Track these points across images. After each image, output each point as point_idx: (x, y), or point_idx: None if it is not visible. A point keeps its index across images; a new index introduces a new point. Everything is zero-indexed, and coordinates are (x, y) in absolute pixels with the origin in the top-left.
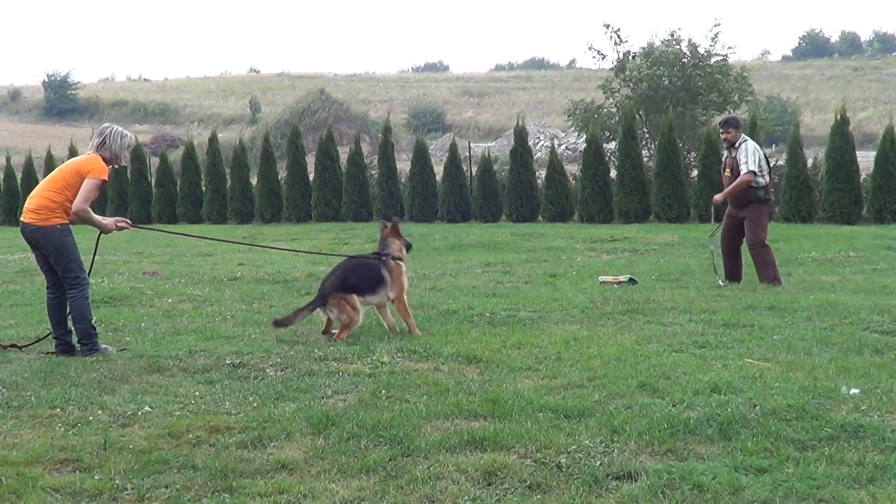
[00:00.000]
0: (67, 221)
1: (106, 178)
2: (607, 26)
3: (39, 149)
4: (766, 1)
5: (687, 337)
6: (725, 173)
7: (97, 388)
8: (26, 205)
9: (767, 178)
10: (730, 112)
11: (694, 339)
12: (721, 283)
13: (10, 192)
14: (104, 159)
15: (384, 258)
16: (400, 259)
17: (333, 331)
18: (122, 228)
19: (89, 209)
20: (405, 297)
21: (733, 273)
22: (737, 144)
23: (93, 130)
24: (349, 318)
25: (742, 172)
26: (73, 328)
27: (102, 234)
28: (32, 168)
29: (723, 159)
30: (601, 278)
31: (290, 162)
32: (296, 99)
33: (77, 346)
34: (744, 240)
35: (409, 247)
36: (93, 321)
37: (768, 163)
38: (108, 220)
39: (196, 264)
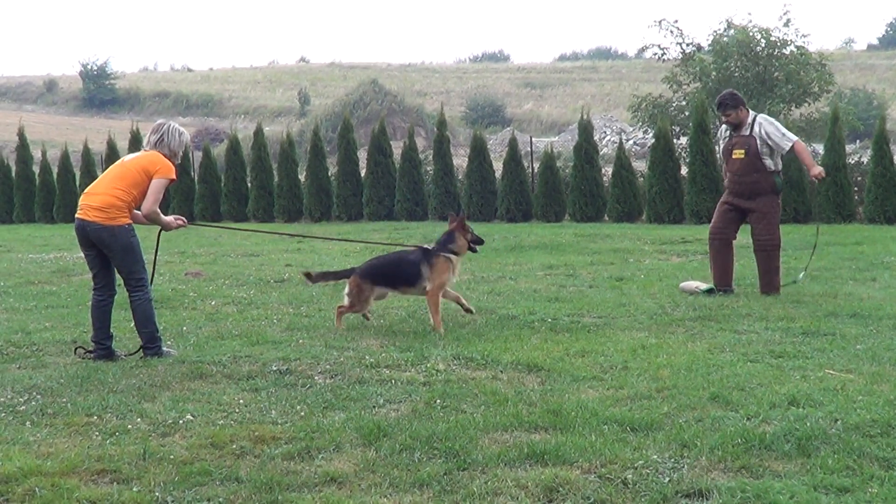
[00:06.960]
0: (131, 221)
1: (174, 177)
2: (659, 22)
3: (76, 142)
4: None
5: (763, 346)
6: (737, 154)
7: (136, 395)
8: (87, 201)
9: (780, 163)
10: (810, 104)
11: (770, 348)
12: (800, 278)
13: (45, 187)
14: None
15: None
16: None
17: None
18: (179, 227)
19: (158, 209)
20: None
21: (725, 277)
22: (749, 122)
23: (132, 123)
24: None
25: (786, 148)
26: (111, 332)
27: (163, 232)
28: (69, 163)
29: (722, 142)
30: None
31: (340, 157)
32: (347, 90)
33: (119, 351)
34: (737, 236)
35: None
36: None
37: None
38: (169, 218)
39: (241, 265)
